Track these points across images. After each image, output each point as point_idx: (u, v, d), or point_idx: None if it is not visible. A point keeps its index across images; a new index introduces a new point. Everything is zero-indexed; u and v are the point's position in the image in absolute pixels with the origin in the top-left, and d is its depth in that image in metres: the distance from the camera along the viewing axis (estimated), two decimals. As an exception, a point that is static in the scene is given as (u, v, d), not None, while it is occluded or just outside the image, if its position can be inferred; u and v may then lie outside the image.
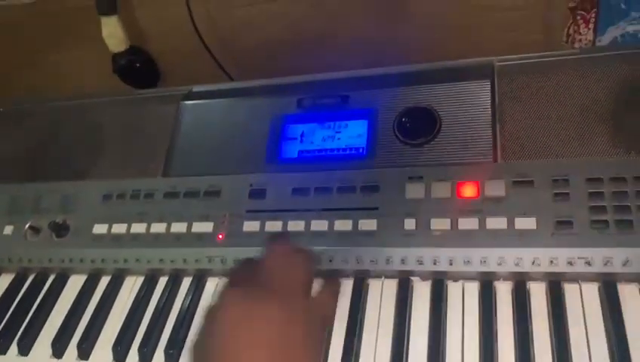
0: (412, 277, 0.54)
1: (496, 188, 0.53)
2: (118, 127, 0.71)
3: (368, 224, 0.54)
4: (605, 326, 0.47)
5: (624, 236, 0.48)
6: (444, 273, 0.53)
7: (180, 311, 0.58)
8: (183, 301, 0.59)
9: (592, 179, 0.51)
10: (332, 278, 0.54)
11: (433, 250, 0.52)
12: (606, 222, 0.49)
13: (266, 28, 0.80)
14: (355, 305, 0.53)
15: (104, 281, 0.63)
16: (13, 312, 0.63)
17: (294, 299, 0.43)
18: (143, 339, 0.56)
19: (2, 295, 0.65)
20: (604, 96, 0.55)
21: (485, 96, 0.58)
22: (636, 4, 0.68)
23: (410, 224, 0.53)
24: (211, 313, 0.42)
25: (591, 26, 0.71)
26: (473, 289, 0.52)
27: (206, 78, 0.75)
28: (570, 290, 0.50)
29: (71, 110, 0.75)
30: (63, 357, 0.58)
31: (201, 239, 0.59)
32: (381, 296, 0.53)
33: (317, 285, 0.50)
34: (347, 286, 0.55)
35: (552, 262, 0.49)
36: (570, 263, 0.49)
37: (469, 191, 0.53)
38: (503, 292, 0.51)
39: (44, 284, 0.65)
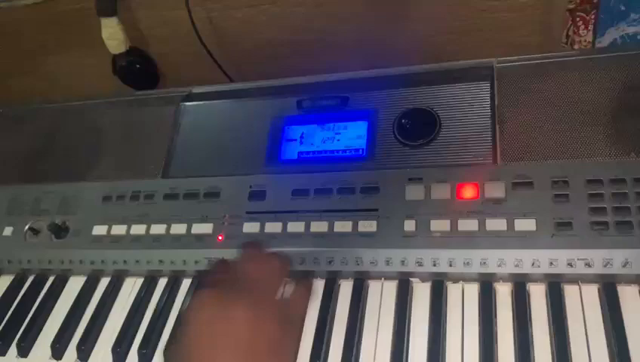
0: (412, 279, 0.54)
1: (495, 190, 0.53)
2: (118, 128, 0.71)
3: (368, 225, 0.54)
4: (605, 327, 0.47)
5: (624, 237, 0.48)
6: (443, 274, 0.53)
7: (179, 313, 0.58)
8: (183, 302, 0.59)
9: (592, 181, 0.51)
10: (304, 278, 0.55)
11: (433, 252, 0.52)
12: (606, 223, 0.49)
13: (265, 29, 0.80)
14: (354, 306, 0.53)
15: (104, 283, 0.63)
16: (12, 314, 0.63)
17: (266, 299, 0.44)
18: (142, 341, 0.56)
19: (2, 296, 0.65)
20: (603, 98, 0.55)
21: (485, 97, 0.58)
22: (635, 5, 0.68)
23: (409, 225, 0.53)
24: (185, 314, 0.43)
25: (590, 27, 0.71)
26: (473, 290, 0.52)
27: (206, 79, 0.75)
28: (570, 292, 0.50)
29: (71, 111, 0.75)
30: (63, 358, 0.58)
31: (201, 240, 0.59)
32: (381, 298, 0.53)
33: (289, 286, 0.50)
34: (347, 288, 0.55)
35: (551, 263, 0.49)
36: (570, 264, 0.49)
37: (468, 192, 0.53)
38: (503, 293, 0.51)
39: (44, 286, 0.65)
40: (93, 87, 0.88)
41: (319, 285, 0.56)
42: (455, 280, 0.53)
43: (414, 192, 0.55)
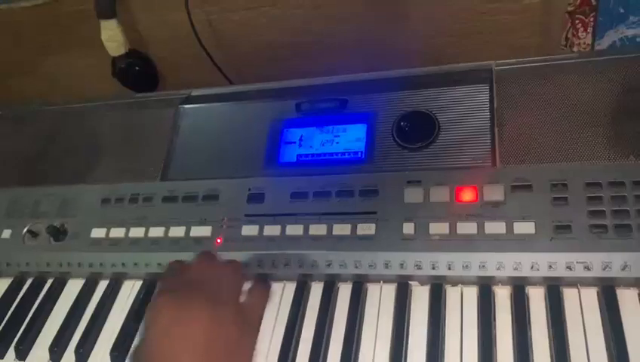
0: (411, 282, 0.54)
1: (494, 193, 0.53)
2: (117, 130, 0.71)
3: (367, 228, 0.54)
4: (604, 330, 0.47)
5: (623, 240, 0.48)
6: (442, 277, 0.52)
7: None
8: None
9: (591, 184, 0.51)
10: (261, 281, 0.55)
11: (432, 255, 0.52)
12: (605, 226, 0.49)
13: (264, 31, 0.80)
14: (353, 309, 0.53)
15: (102, 285, 0.63)
16: (10, 316, 0.63)
17: (223, 301, 0.45)
18: (141, 344, 0.56)
19: (0, 299, 0.65)
20: (602, 100, 0.54)
21: (484, 100, 0.58)
22: (635, 8, 0.68)
23: (408, 228, 0.53)
24: (145, 319, 0.44)
25: (589, 29, 0.71)
26: (472, 293, 0.52)
27: (205, 81, 0.75)
28: (569, 295, 0.50)
29: (70, 113, 0.75)
30: (61, 361, 0.58)
31: (200, 243, 0.59)
32: (379, 301, 0.53)
33: (246, 288, 0.51)
34: (346, 291, 0.55)
35: (550, 266, 0.49)
36: (569, 268, 0.49)
37: (467, 195, 0.53)
38: (502, 296, 0.51)
39: (42, 288, 0.65)
40: (92, 89, 0.88)
41: (317, 288, 0.56)
42: (454, 284, 0.53)
43: (413, 195, 0.55)
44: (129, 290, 0.62)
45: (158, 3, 0.80)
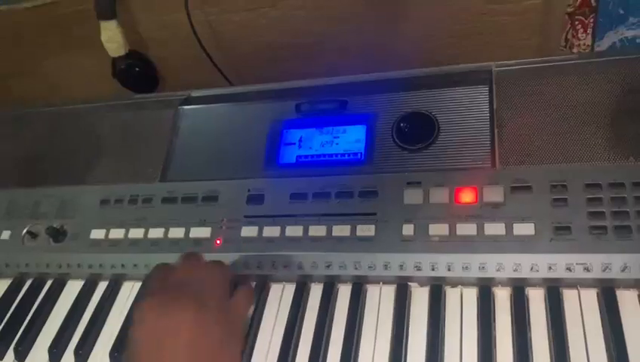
0: (410, 283, 0.54)
1: (494, 194, 0.53)
2: (117, 131, 0.71)
3: (366, 229, 0.54)
4: (604, 331, 0.47)
5: (623, 242, 0.48)
6: (442, 279, 0.52)
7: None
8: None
9: (591, 185, 0.51)
10: (245, 282, 0.55)
11: (431, 256, 0.52)
12: (604, 227, 0.49)
13: (264, 33, 0.80)
14: (353, 310, 0.53)
15: (102, 287, 0.63)
16: (10, 318, 0.63)
17: (207, 303, 0.45)
18: (140, 345, 0.56)
19: (-1, 300, 0.65)
20: (602, 102, 0.54)
21: (483, 101, 0.58)
22: (634, 9, 0.68)
23: (408, 229, 0.53)
24: (132, 321, 0.44)
25: (589, 31, 0.71)
26: (472, 295, 0.52)
27: (205, 82, 0.75)
28: (568, 296, 0.49)
29: (69, 114, 0.75)
30: (60, 362, 0.58)
31: (199, 244, 0.59)
32: (379, 302, 0.53)
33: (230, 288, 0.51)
34: (345, 292, 0.55)
35: (550, 267, 0.49)
36: (568, 269, 0.49)
37: (467, 196, 0.53)
38: (502, 298, 0.51)
39: (42, 290, 0.65)
40: (92, 90, 0.88)
41: (317, 289, 0.56)
42: (454, 285, 0.53)
43: (413, 196, 0.55)
44: (128, 291, 0.62)
45: (158, 4, 0.80)
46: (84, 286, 0.63)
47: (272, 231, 0.57)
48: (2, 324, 0.62)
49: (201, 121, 0.68)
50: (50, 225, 0.65)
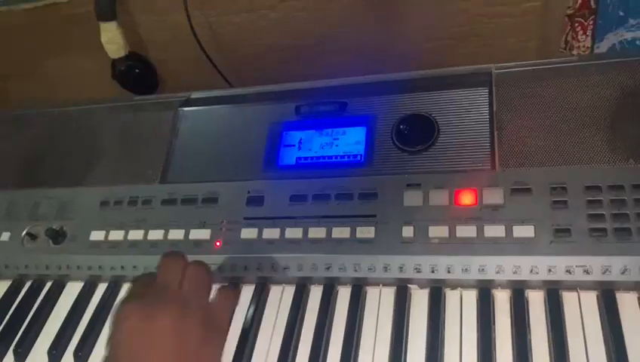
0: (410, 285, 0.54)
1: (494, 196, 0.53)
2: (117, 133, 0.71)
3: (366, 231, 0.54)
4: (604, 334, 0.47)
5: (622, 244, 0.48)
6: (442, 281, 0.52)
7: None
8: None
9: (591, 187, 0.51)
10: (227, 286, 0.55)
11: (431, 258, 0.52)
12: (604, 230, 0.49)
13: (264, 34, 0.80)
14: (352, 313, 0.53)
15: (101, 288, 0.63)
16: (9, 319, 0.63)
17: (189, 305, 0.45)
18: (139, 347, 0.56)
19: (-1, 302, 0.65)
20: (602, 104, 0.54)
21: (483, 103, 0.58)
22: (634, 11, 0.68)
23: (408, 231, 0.53)
24: (113, 326, 0.44)
25: (589, 32, 0.71)
26: (471, 297, 0.52)
27: (205, 84, 0.75)
28: (568, 298, 0.49)
29: (69, 116, 0.75)
30: (60, 364, 0.58)
31: (199, 246, 0.59)
32: (379, 304, 0.53)
33: (213, 291, 0.51)
34: (345, 294, 0.55)
35: (550, 270, 0.49)
36: (568, 271, 0.49)
37: (467, 198, 0.53)
38: (502, 300, 0.51)
39: (41, 291, 0.65)
40: (92, 91, 0.88)
41: (317, 291, 0.56)
42: (453, 287, 0.53)
43: (412, 198, 0.55)
44: (128, 293, 0.62)
45: (158, 5, 0.80)
46: (83, 287, 0.63)
47: (271, 233, 0.57)
48: (1, 326, 0.62)
49: (201, 122, 0.68)
50: (50, 226, 0.65)
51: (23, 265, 0.65)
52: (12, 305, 0.64)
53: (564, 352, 0.46)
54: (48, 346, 0.58)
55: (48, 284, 0.65)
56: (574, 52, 0.72)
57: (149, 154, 0.67)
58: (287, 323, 0.54)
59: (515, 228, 0.51)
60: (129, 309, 0.44)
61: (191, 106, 0.69)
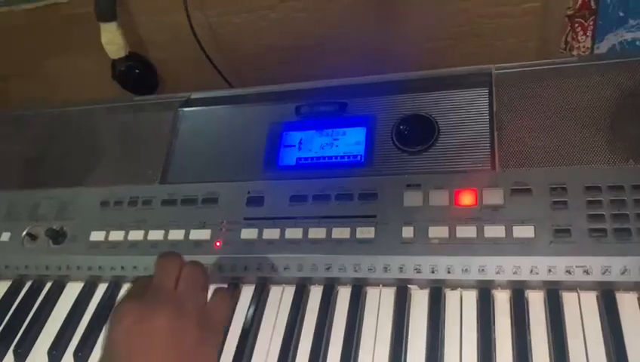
0: (410, 286, 0.54)
1: (494, 197, 0.53)
2: (117, 133, 0.71)
3: (366, 232, 0.54)
4: (604, 334, 0.47)
5: (622, 244, 0.48)
6: (442, 281, 0.52)
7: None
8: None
9: (591, 188, 0.51)
10: (223, 287, 0.55)
11: (431, 258, 0.52)
12: (604, 230, 0.49)
13: (264, 35, 0.80)
14: (352, 313, 0.53)
15: (101, 289, 0.63)
16: (9, 319, 0.63)
17: (187, 305, 0.45)
18: (139, 347, 0.56)
19: (-1, 302, 0.65)
20: (602, 104, 0.54)
21: (483, 103, 0.58)
22: (634, 12, 0.68)
23: (408, 232, 0.53)
24: (109, 326, 0.45)
25: (589, 33, 0.71)
26: (471, 297, 0.52)
27: (205, 84, 0.76)
28: (568, 299, 0.49)
29: (69, 116, 0.75)
30: (60, 365, 0.58)
31: (199, 246, 0.59)
32: (379, 305, 0.53)
33: (210, 292, 0.51)
34: (345, 294, 0.55)
35: (550, 270, 0.49)
36: (568, 272, 0.49)
37: (467, 199, 0.53)
38: (502, 300, 0.51)
39: (41, 291, 0.65)
40: (92, 91, 0.88)
41: (317, 291, 0.56)
42: (453, 287, 0.53)
43: (412, 199, 0.55)
44: (128, 293, 0.62)
45: (159, 6, 0.80)
46: (83, 288, 0.63)
47: (271, 234, 0.57)
48: (2, 326, 0.62)
49: (201, 123, 0.68)
50: (50, 226, 0.65)
51: (23, 266, 0.65)
52: (12, 306, 0.64)
53: (564, 352, 0.46)
54: (48, 346, 0.58)
55: (48, 285, 0.65)
56: (574, 52, 0.72)
57: (149, 155, 0.67)
58: (287, 324, 0.54)
59: (515, 228, 0.51)
60: (125, 310, 0.45)
61: (191, 107, 0.69)
